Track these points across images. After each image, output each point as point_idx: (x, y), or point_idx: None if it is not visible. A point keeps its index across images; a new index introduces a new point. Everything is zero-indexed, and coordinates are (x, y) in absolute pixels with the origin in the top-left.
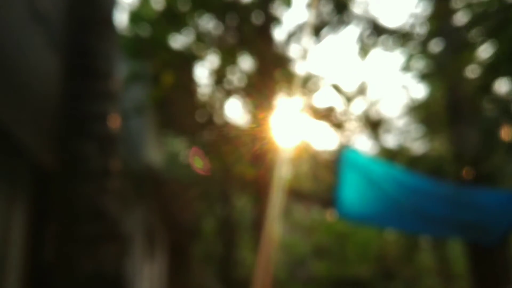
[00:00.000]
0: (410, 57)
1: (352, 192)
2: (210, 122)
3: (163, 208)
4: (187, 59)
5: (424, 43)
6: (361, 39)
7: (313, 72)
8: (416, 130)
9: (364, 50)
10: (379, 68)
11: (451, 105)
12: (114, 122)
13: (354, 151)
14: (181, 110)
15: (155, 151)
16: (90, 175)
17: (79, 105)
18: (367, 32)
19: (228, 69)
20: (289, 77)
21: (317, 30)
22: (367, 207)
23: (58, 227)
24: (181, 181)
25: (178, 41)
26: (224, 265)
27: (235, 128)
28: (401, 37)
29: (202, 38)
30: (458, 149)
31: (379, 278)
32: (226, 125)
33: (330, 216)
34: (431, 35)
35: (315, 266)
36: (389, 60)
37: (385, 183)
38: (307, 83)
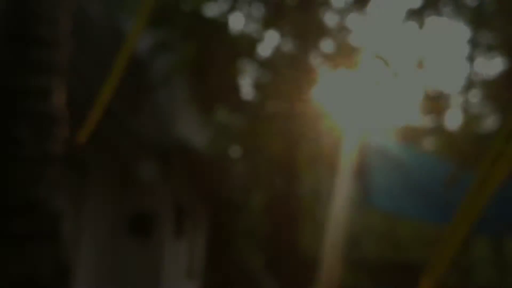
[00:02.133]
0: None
1: (385, 181)
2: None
3: (199, 183)
4: (218, 28)
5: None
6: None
7: (361, 43)
8: (482, 106)
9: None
10: (440, 39)
11: None
12: (58, 99)
13: (384, 140)
14: (223, 85)
15: (193, 126)
16: (22, 160)
17: (10, 78)
18: None
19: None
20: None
21: None
22: (403, 198)
23: None
24: (223, 156)
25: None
26: (275, 246)
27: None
28: None
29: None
30: None
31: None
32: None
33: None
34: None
35: (366, 247)
36: (452, 32)
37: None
38: (354, 54)
